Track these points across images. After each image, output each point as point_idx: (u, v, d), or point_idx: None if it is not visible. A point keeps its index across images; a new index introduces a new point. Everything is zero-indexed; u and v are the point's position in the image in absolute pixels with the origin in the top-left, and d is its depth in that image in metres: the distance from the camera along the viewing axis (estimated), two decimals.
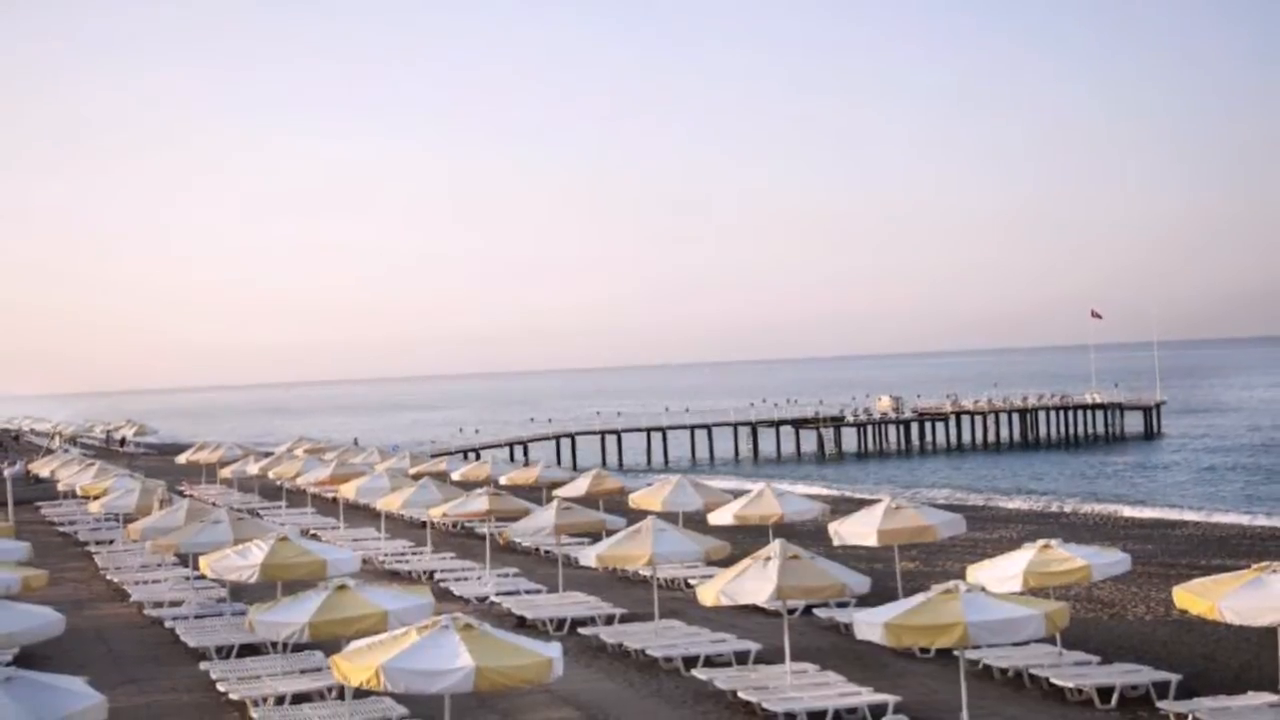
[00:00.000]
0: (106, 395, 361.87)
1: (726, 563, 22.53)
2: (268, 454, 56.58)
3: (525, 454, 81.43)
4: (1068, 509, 51.21)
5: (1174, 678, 17.96)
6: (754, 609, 23.16)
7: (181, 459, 62.07)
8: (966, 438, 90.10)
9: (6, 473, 46.19)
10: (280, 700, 18.08)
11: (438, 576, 30.21)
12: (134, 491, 34.24)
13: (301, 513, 44.62)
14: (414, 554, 34.35)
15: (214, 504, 40.26)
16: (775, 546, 18.17)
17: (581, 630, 23.31)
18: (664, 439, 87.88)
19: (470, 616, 13.70)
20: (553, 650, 13.44)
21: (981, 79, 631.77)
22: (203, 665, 20.75)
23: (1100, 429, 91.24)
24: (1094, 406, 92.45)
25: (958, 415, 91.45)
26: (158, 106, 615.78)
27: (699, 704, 18.38)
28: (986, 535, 37.95)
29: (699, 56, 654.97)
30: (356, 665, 13.01)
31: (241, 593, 24.71)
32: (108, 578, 31.72)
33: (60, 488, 47.74)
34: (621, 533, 22.94)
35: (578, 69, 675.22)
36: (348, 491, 38.26)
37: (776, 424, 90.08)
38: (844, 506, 37.23)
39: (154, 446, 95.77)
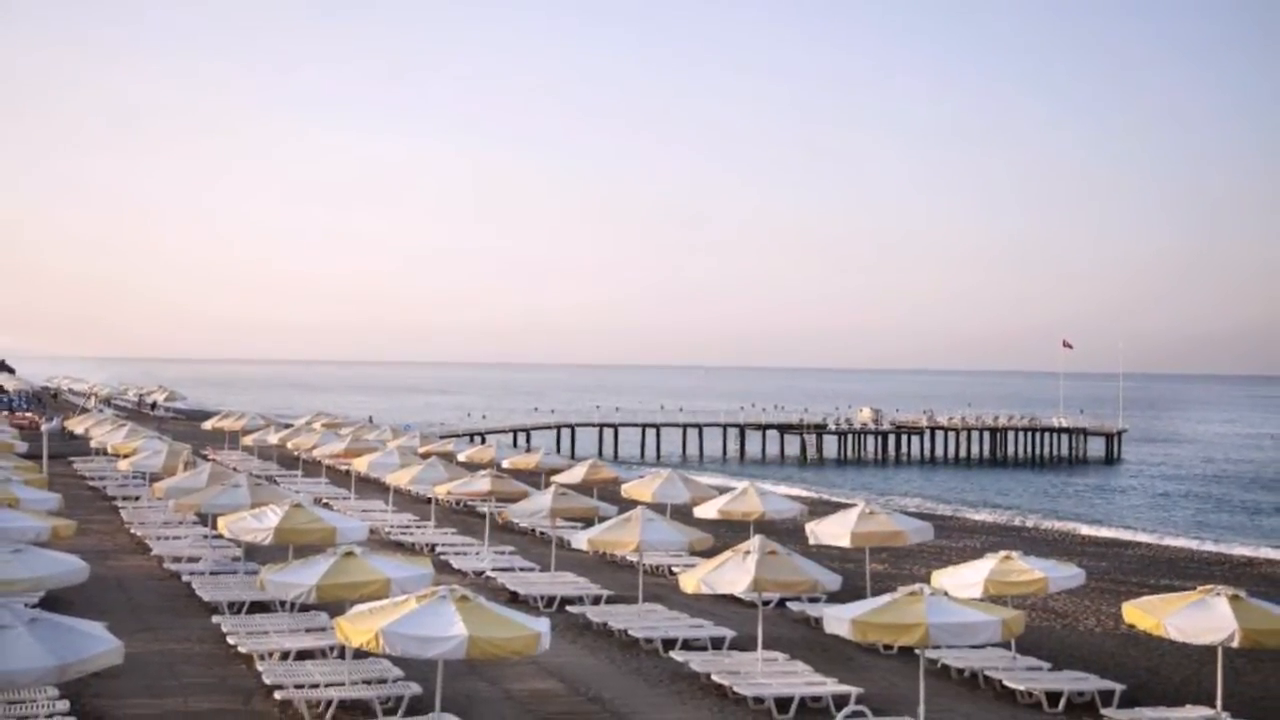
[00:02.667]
0: (141, 361, 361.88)
1: (709, 554, 22.59)
2: (287, 426, 56.51)
3: (528, 441, 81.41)
4: (1030, 524, 51.16)
5: (1119, 687, 17.96)
6: (731, 598, 23.18)
7: (207, 425, 62.11)
8: (940, 452, 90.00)
9: (44, 428, 46.18)
10: (285, 656, 18.07)
11: (439, 550, 30.19)
12: (161, 453, 34.21)
13: (316, 482, 44.60)
14: (418, 527, 34.33)
15: (235, 469, 40.23)
16: (755, 542, 18.17)
17: (569, 608, 23.30)
18: (658, 435, 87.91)
19: (466, 589, 13.69)
20: (541, 625, 13.44)
21: (975, 119, 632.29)
22: (215, 619, 20.76)
23: (1064, 451, 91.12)
24: (1060, 430, 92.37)
25: (933, 430, 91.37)
26: (208, 96, 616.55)
27: (675, 684, 18.37)
28: (952, 544, 37.94)
29: (710, 81, 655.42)
30: (358, 627, 13.01)
31: (255, 553, 24.69)
32: (132, 531, 31.72)
33: (93, 445, 47.69)
34: (613, 520, 22.93)
35: (597, 87, 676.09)
36: (360, 465, 38.24)
37: (763, 428, 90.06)
38: (821, 508, 37.21)
39: (182, 412, 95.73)
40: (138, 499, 36.90)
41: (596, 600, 24.18)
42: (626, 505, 27.84)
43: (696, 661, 18.65)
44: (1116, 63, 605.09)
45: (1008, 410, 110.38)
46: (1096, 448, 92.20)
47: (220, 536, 23.58)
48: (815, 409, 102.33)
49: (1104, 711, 16.95)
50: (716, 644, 20.45)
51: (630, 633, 20.95)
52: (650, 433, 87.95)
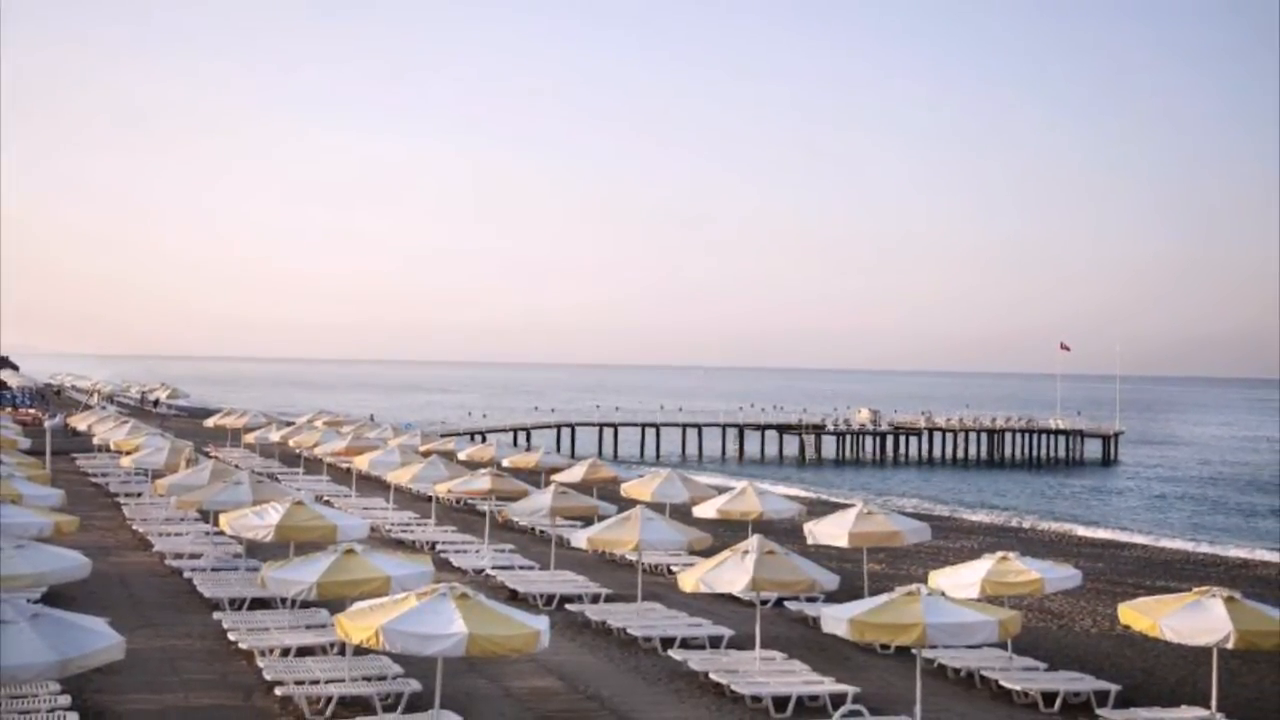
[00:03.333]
0: (144, 359, 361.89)
1: (707, 553, 22.57)
2: (289, 423, 56.52)
3: (528, 440, 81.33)
4: (1026, 525, 51.17)
5: (1114, 688, 17.96)
6: (729, 598, 23.18)
7: (209, 422, 62.11)
8: (937, 452, 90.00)
9: (47, 425, 46.12)
10: (285, 652, 18.05)
11: (439, 547, 30.19)
12: (163, 450, 34.21)
13: (317, 480, 44.60)
14: (418, 525, 34.33)
15: (236, 466, 40.16)
16: (753, 541, 18.17)
17: (569, 606, 23.30)
18: (657, 434, 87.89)
19: (466, 587, 13.68)
20: (540, 623, 13.43)
21: (973, 122, 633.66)
22: (216, 615, 20.74)
23: (1061, 453, 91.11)
24: (1057, 431, 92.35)
25: (930, 431, 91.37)
26: (210, 96, 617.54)
27: (673, 682, 18.37)
28: (950, 544, 37.94)
29: (710, 82, 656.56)
30: (358, 624, 13.00)
31: (256, 550, 24.68)
32: (134, 528, 31.71)
33: (95, 442, 47.71)
34: (612, 519, 22.94)
35: (598, 88, 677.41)
36: (361, 463, 38.23)
37: (762, 428, 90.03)
38: (819, 509, 37.19)
39: (184, 409, 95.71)
40: (140, 496, 36.89)
41: (596, 598, 24.18)
42: (626, 504, 27.86)
43: (695, 660, 18.64)
44: (1114, 66, 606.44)
45: (1005, 412, 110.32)
46: (1093, 449, 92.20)
47: (222, 533, 23.59)
48: (814, 409, 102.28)
49: (1099, 712, 16.95)
50: (715, 643, 20.44)
51: (629, 631, 20.95)
52: (650, 432, 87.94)
